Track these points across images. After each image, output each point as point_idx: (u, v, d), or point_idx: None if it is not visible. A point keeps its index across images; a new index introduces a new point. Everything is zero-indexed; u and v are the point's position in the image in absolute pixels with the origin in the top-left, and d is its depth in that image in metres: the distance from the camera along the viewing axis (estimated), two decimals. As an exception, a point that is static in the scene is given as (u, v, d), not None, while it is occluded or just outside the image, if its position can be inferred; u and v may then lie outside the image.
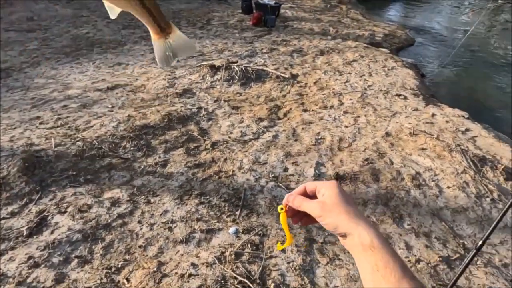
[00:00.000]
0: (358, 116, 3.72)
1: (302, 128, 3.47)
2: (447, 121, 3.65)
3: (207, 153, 3.05)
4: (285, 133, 3.38)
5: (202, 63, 4.78)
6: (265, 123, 3.55)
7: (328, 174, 2.81)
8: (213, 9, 8.08)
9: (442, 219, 2.40)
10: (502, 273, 2.02)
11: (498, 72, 6.10)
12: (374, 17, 9.34)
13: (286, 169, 2.87)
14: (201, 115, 3.64)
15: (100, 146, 2.96)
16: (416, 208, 2.48)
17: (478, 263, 2.07)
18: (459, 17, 10.25)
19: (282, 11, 7.99)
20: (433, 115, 3.79)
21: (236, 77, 4.48)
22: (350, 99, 4.10)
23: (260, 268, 1.95)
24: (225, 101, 3.99)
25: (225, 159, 2.97)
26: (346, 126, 3.52)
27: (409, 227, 2.30)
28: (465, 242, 2.22)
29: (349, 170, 2.83)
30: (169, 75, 4.54)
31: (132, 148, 3.00)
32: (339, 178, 2.74)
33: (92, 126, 3.27)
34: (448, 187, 2.66)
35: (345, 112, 3.81)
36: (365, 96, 4.19)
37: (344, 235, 0.58)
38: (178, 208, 2.41)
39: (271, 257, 2.04)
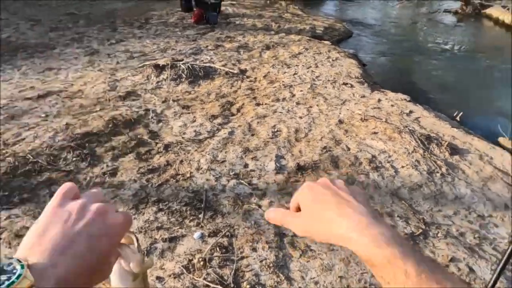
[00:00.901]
0: (311, 106, 3.75)
1: (258, 122, 3.40)
2: (392, 105, 3.83)
3: (160, 157, 2.84)
4: (240, 129, 3.28)
5: (145, 63, 4.49)
6: (219, 120, 3.42)
7: (289, 166, 2.76)
8: (151, 7, 7.69)
9: (401, 198, 2.47)
10: (460, 242, 2.12)
11: (427, 57, 6.60)
12: (313, 11, 9.61)
13: (246, 165, 2.77)
14: (150, 117, 3.40)
15: (35, 160, 2.61)
16: (376, 190, 2.54)
17: (438, 235, 2.16)
18: (388, 9, 10.96)
19: (223, 8, 7.86)
20: (379, 100, 3.95)
21: (183, 76, 4.28)
22: (301, 91, 4.13)
23: (233, 271, 1.84)
24: (174, 101, 3.78)
25: (181, 161, 2.79)
26: (301, 117, 3.52)
27: (373, 209, 2.34)
28: (424, 218, 2.31)
29: (309, 160, 2.82)
30: (109, 77, 4.20)
31: (74, 159, 2.69)
32: (300, 169, 2.72)
33: (23, 139, 2.88)
34: (402, 167, 2.76)
35: (298, 103, 3.81)
36: (315, 87, 4.25)
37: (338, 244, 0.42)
38: (134, 218, 2.19)
39: (242, 258, 1.93)
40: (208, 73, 4.47)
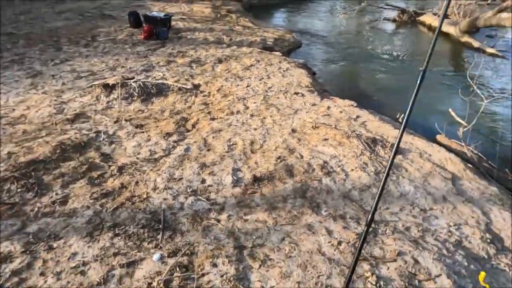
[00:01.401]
0: (264, 118, 3.86)
1: (213, 137, 3.44)
2: (340, 112, 4.05)
3: (114, 180, 2.78)
4: (196, 145, 3.30)
5: (94, 83, 4.36)
6: (174, 137, 3.41)
7: (246, 178, 2.83)
8: (97, 24, 7.48)
9: (352, 200, 2.63)
10: (406, 236, 2.30)
11: (371, 63, 7.05)
12: (263, 23, 9.88)
13: (203, 181, 2.79)
14: (101, 139, 3.31)
15: (-26, 194, 2.44)
16: (329, 194, 2.67)
17: (386, 232, 2.32)
18: (334, 20, 11.56)
19: (173, 23, 7.85)
20: (328, 107, 4.16)
21: (135, 94, 4.21)
22: (254, 102, 4.24)
23: (194, 290, 1.85)
24: (126, 120, 3.70)
25: (137, 182, 2.75)
26: (255, 129, 3.61)
27: (327, 213, 2.47)
28: (374, 216, 2.46)
29: (265, 171, 2.90)
30: (55, 100, 4.02)
31: (19, 190, 2.55)
32: (257, 180, 2.79)
33: (-41, 173, 2.68)
34: (352, 170, 2.94)
35: (252, 115, 3.91)
36: (268, 98, 4.38)
37: None
38: (89, 247, 2.13)
39: (203, 275, 1.94)
40: (161, 90, 4.44)
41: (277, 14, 12.16)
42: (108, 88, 4.23)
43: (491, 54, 7.34)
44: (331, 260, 2.04)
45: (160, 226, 2.31)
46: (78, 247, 2.12)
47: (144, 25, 7.04)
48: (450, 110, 4.70)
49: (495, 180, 3.35)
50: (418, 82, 1.56)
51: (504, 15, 6.11)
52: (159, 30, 6.74)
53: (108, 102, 4.07)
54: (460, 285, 1.99)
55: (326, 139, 3.39)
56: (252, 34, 7.91)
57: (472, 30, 8.11)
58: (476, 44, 7.73)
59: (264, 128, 3.62)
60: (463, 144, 3.64)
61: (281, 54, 6.58)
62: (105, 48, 6.03)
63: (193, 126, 3.69)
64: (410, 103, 1.55)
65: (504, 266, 2.20)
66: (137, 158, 3.07)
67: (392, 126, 3.82)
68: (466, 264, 2.15)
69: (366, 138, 3.35)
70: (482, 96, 3.86)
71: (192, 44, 6.68)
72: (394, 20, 10.64)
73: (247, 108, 4.10)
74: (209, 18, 9.23)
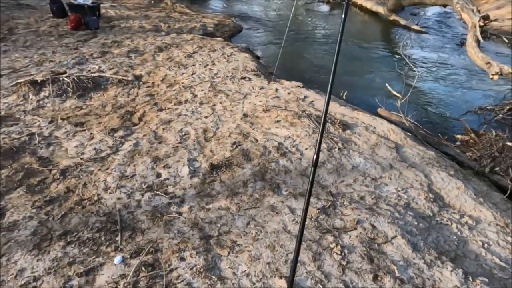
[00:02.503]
0: (214, 105, 3.78)
1: (163, 129, 3.29)
2: (289, 93, 4.12)
3: (58, 184, 2.54)
4: (146, 138, 3.13)
5: (19, 81, 3.90)
6: (120, 133, 3.20)
7: (203, 167, 2.76)
8: (13, 15, 6.65)
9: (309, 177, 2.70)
10: (362, 205, 2.44)
11: (311, 44, 7.24)
12: (200, 9, 9.59)
13: (159, 175, 2.67)
14: (36, 142, 2.99)
15: None
16: (287, 174, 2.72)
17: (344, 203, 2.44)
18: (271, 3, 11.60)
19: (103, 10, 7.28)
20: (276, 90, 4.20)
21: (70, 90, 3.86)
22: (202, 90, 4.12)
23: (163, 287, 1.77)
24: (63, 119, 3.38)
25: (85, 184, 2.55)
26: (206, 117, 3.53)
27: (287, 193, 2.51)
28: (331, 190, 2.58)
29: (222, 158, 2.86)
30: (-28, 103, 3.53)
31: None
32: (214, 168, 2.74)
33: None
34: (306, 148, 3.02)
35: (201, 103, 3.81)
36: (215, 85, 4.29)
37: None
38: (38, 260, 1.93)
39: (171, 270, 1.87)
40: (99, 84, 4.11)
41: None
42: (37, 85, 3.82)
43: (417, 31, 7.95)
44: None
45: (117, 227, 2.18)
46: (26, 262, 1.91)
47: (69, 14, 6.43)
48: (386, 84, 5.03)
49: (430, 145, 3.68)
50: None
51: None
52: (88, 19, 6.20)
53: (38, 101, 3.68)
54: (413, 242, 2.16)
55: (278, 121, 3.43)
56: (190, 20, 7.64)
57: (398, 8, 8.69)
58: (403, 22, 8.31)
59: (215, 115, 3.55)
60: (401, 115, 3.92)
61: (223, 40, 6.46)
62: (26, 42, 5.40)
63: (140, 119, 3.49)
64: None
65: (447, 221, 2.44)
66: (82, 158, 2.83)
67: (338, 104, 3.98)
68: (416, 223, 2.34)
69: (316, 117, 3.45)
70: (415, 70, 4.17)
71: (128, 33, 6.26)
72: (327, 2, 11.00)
73: (195, 96, 3.98)
74: (142, 5, 8.71)
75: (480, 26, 4.63)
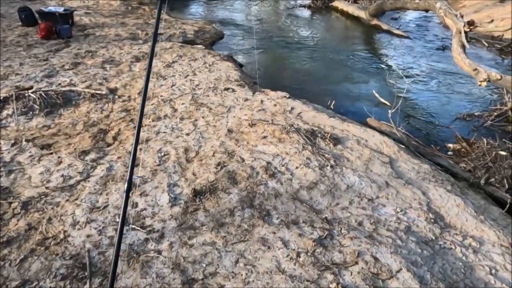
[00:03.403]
0: (196, 120, 3.50)
1: (140, 149, 2.98)
2: (274, 105, 3.88)
3: (18, 220, 2.21)
4: (121, 161, 2.82)
5: (-22, 99, 3.51)
6: (92, 155, 2.88)
7: (185, 194, 2.48)
8: (-23, 24, 6.17)
9: (301, 200, 2.47)
10: (361, 232, 2.22)
11: (293, 50, 7.04)
12: (180, 15, 9.28)
13: (135, 205, 2.37)
14: (-5, 169, 2.63)
15: None
16: (278, 198, 2.47)
17: (342, 231, 2.21)
18: (249, 8, 11.39)
19: (76, 18, 6.88)
20: (261, 101, 3.95)
21: (36, 107, 3.49)
22: (183, 103, 3.83)
23: None
24: (28, 141, 3.03)
25: (49, 219, 2.22)
26: (187, 134, 3.24)
27: (279, 221, 2.26)
28: (326, 215, 2.34)
29: (205, 182, 2.58)
30: None
31: None
32: (198, 194, 2.46)
33: None
34: (296, 167, 2.78)
35: (182, 119, 3.52)
36: (196, 97, 4.01)
37: None
38: (-12, 322, 1.61)
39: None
40: (70, 99, 3.76)
41: (193, 5, 11.55)
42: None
43: (398, 35, 7.90)
44: (293, 277, 1.84)
45: (86, 273, 1.87)
46: (-28, 327, 1.59)
47: (40, 22, 6.01)
48: (373, 92, 4.88)
49: (423, 156, 3.52)
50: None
51: (407, -2, 6.58)
52: (59, 28, 5.80)
53: (0, 120, 3.30)
54: (419, 275, 1.95)
55: (265, 137, 3.18)
56: (170, 27, 7.32)
57: (379, 13, 8.63)
58: (385, 26, 8.24)
59: (197, 132, 3.27)
60: (392, 125, 3.75)
61: (204, 47, 6.18)
62: (-9, 53, 4.96)
63: (115, 138, 3.17)
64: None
65: (451, 245, 2.25)
66: (47, 187, 2.50)
67: (326, 115, 3.77)
68: (419, 251, 2.14)
69: (305, 132, 3.22)
70: (404, 78, 4.02)
71: (103, 41, 5.90)
72: (309, 6, 10.87)
73: (176, 110, 3.69)
74: (119, 12, 8.32)
75: (465, 32, 4.54)
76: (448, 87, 5.37)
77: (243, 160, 2.85)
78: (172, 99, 3.94)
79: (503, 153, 3.50)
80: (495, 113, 4.33)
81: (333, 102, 4.26)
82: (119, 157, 2.87)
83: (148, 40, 6.26)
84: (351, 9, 9.50)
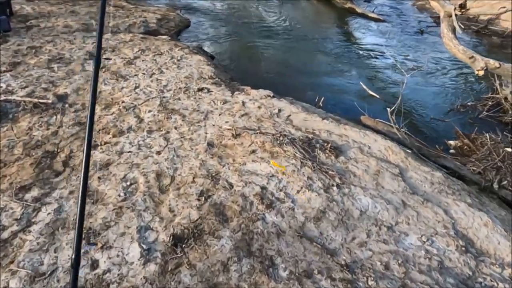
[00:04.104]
0: (168, 132, 2.85)
1: (99, 178, 2.32)
2: (259, 107, 3.30)
3: None
4: (74, 197, 2.15)
5: None
6: (34, 193, 2.18)
7: (161, 242, 1.88)
8: None
9: (310, 239, 1.95)
10: (391, 280, 1.74)
11: (267, 39, 6.41)
12: (140, 1, 8.28)
13: (94, 265, 1.74)
14: None
15: None
16: (281, 238, 1.94)
17: (368, 282, 1.72)
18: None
19: (16, 7, 5.80)
20: (243, 103, 3.35)
21: (-42, 127, 2.68)
22: (150, 111, 3.15)
23: None
24: None
25: (-30, 302, 1.55)
26: (159, 152, 2.60)
27: (287, 274, 1.73)
28: (345, 259, 1.85)
29: (187, 222, 1.99)
30: None
31: None
32: (178, 241, 1.87)
33: None
34: (298, 191, 2.25)
35: (150, 131, 2.85)
36: (166, 101, 3.33)
37: None
38: None
39: None
40: (6, 112, 2.97)
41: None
42: None
43: (374, 19, 7.47)
44: None
45: None
46: None
47: (-32, 14, 4.93)
48: (361, 84, 4.42)
49: (427, 158, 3.11)
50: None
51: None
52: (-7, 20, 4.78)
53: None
54: (473, 338, 1.51)
55: (254, 151, 2.61)
56: (129, 15, 6.40)
57: (353, -4, 8.15)
58: (359, 10, 7.79)
59: (170, 149, 2.63)
60: (392, 124, 3.30)
61: (169, 38, 5.40)
62: None
63: (65, 164, 2.47)
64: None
65: (491, 281, 1.84)
66: (-31, 248, 1.80)
67: (319, 116, 3.25)
68: (463, 298, 1.71)
69: (301, 142, 2.68)
70: (399, 69, 3.56)
71: (49, 35, 4.95)
72: (278, -10, 10.16)
73: (141, 120, 3.00)
74: (68, -1, 7.23)
75: (456, 15, 4.14)
76: (434, 75, 5.02)
77: (231, 185, 2.27)
78: (136, 105, 3.24)
79: (510, 150, 3.17)
80: (490, 103, 4.02)
81: (322, 99, 3.74)
82: (70, 192, 2.19)
83: (104, 32, 5.38)
84: (324, -8, 8.92)
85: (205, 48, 5.54)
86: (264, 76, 4.65)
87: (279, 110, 3.26)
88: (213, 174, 2.37)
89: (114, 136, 2.77)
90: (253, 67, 5.30)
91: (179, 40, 5.91)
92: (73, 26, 5.44)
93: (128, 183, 2.28)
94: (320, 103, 3.74)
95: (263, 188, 2.25)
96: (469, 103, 4.14)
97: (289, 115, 3.19)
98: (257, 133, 2.78)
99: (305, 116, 3.19)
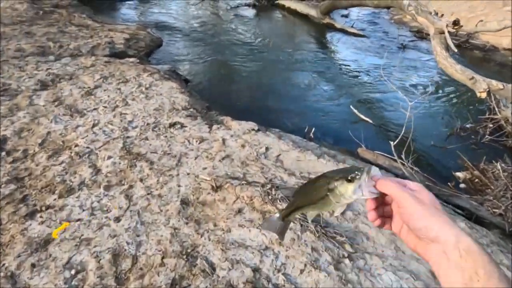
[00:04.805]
0: (131, 186, 2.25)
1: (32, 266, 1.68)
2: (242, 146, 2.75)
3: None
4: (-8, 303, 1.50)
5: None
6: None
7: None
8: None
9: None
10: None
11: (245, 58, 5.92)
12: (107, 19, 7.62)
13: None
14: None
15: None
16: None
17: None
18: (190, 9, 10.00)
19: (-41, 29, 5.04)
20: (223, 141, 2.80)
21: None
22: (109, 157, 2.53)
23: None
24: None
25: None
26: (117, 218, 1.98)
27: None
28: None
29: (152, 338, 1.39)
30: None
31: None
32: None
33: None
34: (301, 271, 1.70)
35: (108, 187, 2.24)
36: (130, 143, 2.72)
37: (433, 240, 0.49)
38: None
39: None
40: None
41: (122, 6, 9.82)
42: None
43: (354, 34, 7.17)
44: None
45: None
46: None
47: None
48: (351, 107, 3.98)
49: (438, 197, 2.66)
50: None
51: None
52: None
53: None
54: None
55: (240, 210, 2.05)
56: (93, 35, 5.74)
57: (331, 11, 7.85)
58: (338, 25, 7.48)
59: (133, 212, 2.03)
60: (396, 158, 2.84)
61: (138, 61, 4.79)
62: None
63: (-12, 244, 1.81)
64: None
65: None
66: None
67: (313, 154, 2.74)
68: None
69: (298, 196, 2.14)
70: (405, 97, 3.13)
71: (-5, 61, 4.24)
72: (253, 5, 9.79)
73: (98, 171, 2.38)
74: (25, 18, 6.46)
75: (450, 33, 3.80)
76: (423, 93, 4.67)
77: (213, 269, 1.69)
78: (93, 149, 2.61)
79: (527, 183, 2.78)
80: (490, 125, 3.66)
81: (313, 130, 3.25)
82: (-12, 295, 1.54)
83: (62, 55, 4.72)
84: (300, 7, 8.60)
85: (179, 70, 4.97)
86: (244, 101, 4.13)
87: (267, 149, 2.72)
88: (189, 250, 1.78)
89: (60, 196, 2.13)
90: (231, 91, 4.78)
91: (149, 61, 5.33)
92: (26, 50, 4.73)
93: (73, 272, 1.65)
94: (311, 134, 3.25)
95: (255, 270, 1.68)
96: (468, 126, 3.78)
97: (279, 155, 2.66)
98: (243, 183, 2.22)
99: (298, 155, 2.68)
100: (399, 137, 2.86)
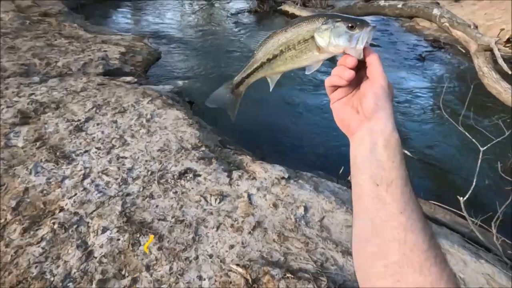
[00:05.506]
0: (135, 280, 1.62)
1: None
2: (274, 205, 2.13)
3: None
4: None
5: None
6: None
7: None
8: None
9: None
10: None
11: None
12: (100, 28, 6.94)
13: None
14: None
15: None
16: None
17: None
18: (188, 15, 9.34)
19: None
20: (249, 198, 2.18)
21: None
22: (104, 229, 1.89)
23: None
24: None
25: None
26: None
27: None
28: None
29: None
30: None
31: None
32: None
33: None
34: None
35: (103, 282, 1.60)
36: (131, 205, 2.08)
37: (370, 118, 0.53)
38: None
39: None
40: None
41: (116, 14, 9.12)
42: None
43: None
44: None
45: None
46: None
47: None
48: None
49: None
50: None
51: (383, 3, 5.25)
52: None
53: None
54: None
55: (290, 326, 1.44)
56: (84, 49, 5.07)
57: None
58: (349, 34, 6.89)
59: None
60: (465, 215, 2.24)
61: (135, 81, 4.16)
62: None
63: None
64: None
65: None
66: None
67: (347, 211, 2.14)
68: None
69: None
70: (474, 141, 2.54)
71: (-32, 85, 3.56)
72: (255, 11, 9.19)
73: (90, 255, 1.74)
74: (9, 29, 5.76)
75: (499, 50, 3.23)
76: (452, 116, 4.10)
77: None
78: (82, 217, 1.97)
79: None
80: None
81: (341, 170, 2.66)
82: None
83: (49, 74, 4.06)
84: (305, 14, 8.00)
85: (180, 88, 4.33)
86: (257, 124, 3.51)
87: (305, 209, 2.11)
88: None
89: (35, 302, 1.50)
90: (240, 111, 4.15)
91: (147, 78, 4.68)
92: (8, 69, 4.05)
93: None
94: (349, 178, 2.65)
95: None
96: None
97: (322, 218, 2.06)
98: (286, 275, 1.61)
99: (345, 217, 2.07)
100: (471, 190, 2.26)
